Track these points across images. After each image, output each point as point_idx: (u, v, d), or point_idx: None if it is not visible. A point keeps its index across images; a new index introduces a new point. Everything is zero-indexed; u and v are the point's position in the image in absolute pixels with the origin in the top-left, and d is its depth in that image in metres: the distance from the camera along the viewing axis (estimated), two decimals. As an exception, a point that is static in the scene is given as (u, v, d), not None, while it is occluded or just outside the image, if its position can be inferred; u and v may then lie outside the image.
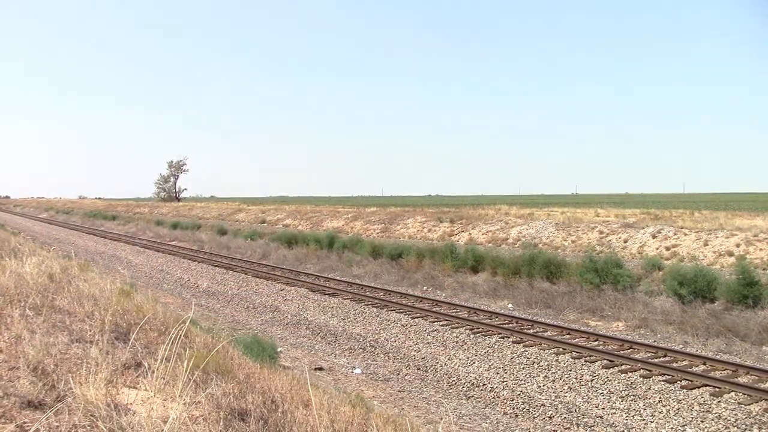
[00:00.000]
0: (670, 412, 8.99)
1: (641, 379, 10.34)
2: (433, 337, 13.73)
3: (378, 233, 32.76)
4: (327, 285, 20.72)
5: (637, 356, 11.51)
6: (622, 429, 8.62)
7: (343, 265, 24.67)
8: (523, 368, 11.32)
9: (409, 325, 14.77)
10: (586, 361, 11.38)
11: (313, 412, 4.39)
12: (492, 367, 11.53)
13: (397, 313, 16.11)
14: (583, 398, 9.78)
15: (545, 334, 13.46)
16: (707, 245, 18.75)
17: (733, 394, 9.41)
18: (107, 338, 4.91)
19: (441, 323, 14.76)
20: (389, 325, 15.00)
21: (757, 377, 10.17)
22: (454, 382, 10.97)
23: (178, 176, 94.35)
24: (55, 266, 8.77)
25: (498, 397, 10.15)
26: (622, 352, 11.91)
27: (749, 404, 9.00)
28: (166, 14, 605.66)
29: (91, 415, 3.32)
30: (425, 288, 20.19)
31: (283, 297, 19.15)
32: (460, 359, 12.11)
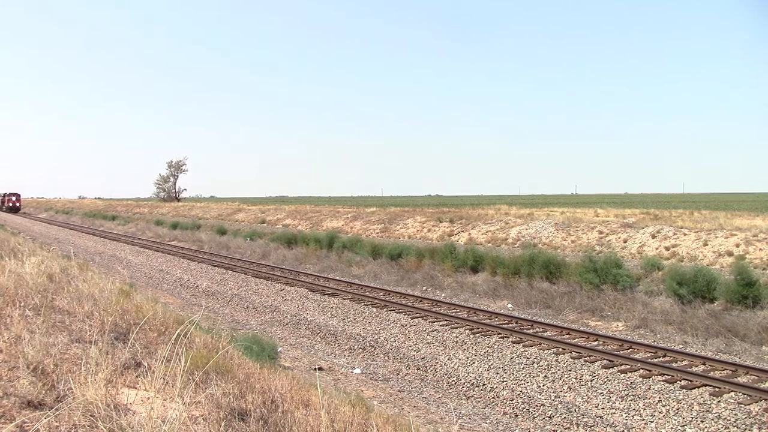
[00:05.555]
0: (670, 412, 8.99)
1: (641, 379, 10.33)
2: (433, 337, 13.72)
3: (378, 233, 32.75)
4: (327, 285, 20.71)
5: (636, 356, 11.51)
6: (621, 429, 8.62)
7: (342, 265, 24.66)
8: (522, 368, 11.32)
9: (408, 325, 14.76)
10: (585, 361, 11.38)
11: (313, 412, 4.39)
12: (492, 367, 11.53)
13: (397, 313, 16.11)
14: (582, 398, 9.78)
15: (545, 334, 13.45)
16: (707, 245, 18.76)
17: (732, 394, 9.41)
18: (107, 338, 4.91)
19: (441, 323, 14.76)
20: (389, 325, 14.99)
21: (756, 377, 10.17)
22: (453, 382, 10.97)
23: (177, 176, 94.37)
24: (54, 266, 8.77)
25: (498, 397, 10.15)
26: (621, 352, 11.90)
27: (749, 404, 9.00)
28: (166, 14, 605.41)
29: (90, 415, 3.32)
30: (425, 288, 20.18)
31: (282, 297, 19.15)
32: (459, 359, 12.10)
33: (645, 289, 15.83)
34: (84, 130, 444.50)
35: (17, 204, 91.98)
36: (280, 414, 4.21)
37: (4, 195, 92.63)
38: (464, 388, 10.66)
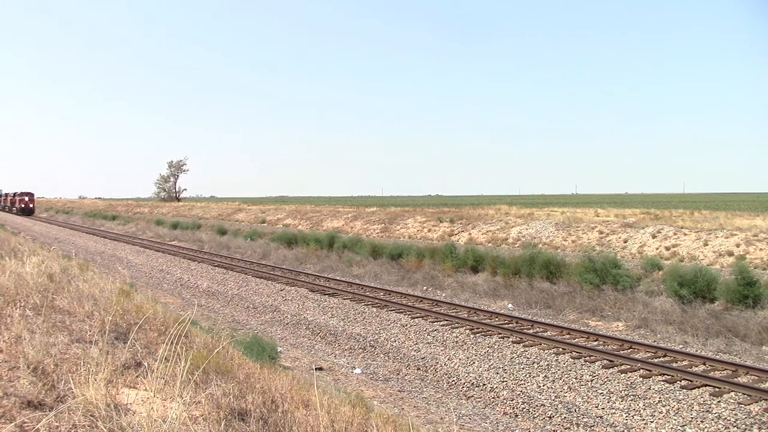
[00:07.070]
0: (670, 412, 8.99)
1: (641, 379, 10.33)
2: (433, 337, 13.72)
3: (378, 233, 32.74)
4: (327, 285, 20.71)
5: (637, 356, 11.50)
6: (621, 429, 8.62)
7: (343, 265, 24.66)
8: (522, 368, 11.32)
9: (409, 325, 14.76)
10: (585, 361, 11.38)
11: (313, 412, 4.39)
12: (492, 367, 11.53)
13: (397, 313, 16.11)
14: (582, 398, 9.78)
15: (545, 334, 13.45)
16: (707, 245, 18.74)
17: (732, 394, 9.41)
18: (107, 338, 4.90)
19: (441, 323, 14.76)
20: (389, 325, 14.99)
21: (756, 377, 10.16)
22: (454, 382, 10.97)
23: (178, 176, 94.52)
24: (55, 266, 8.77)
25: (498, 397, 10.15)
26: (622, 352, 11.90)
27: (749, 404, 8.99)
28: (166, 14, 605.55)
29: (91, 415, 3.32)
30: (425, 288, 20.18)
31: (283, 297, 19.15)
32: (460, 359, 12.10)
33: (645, 289, 15.82)
34: (84, 130, 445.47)
35: (30, 205, 78.70)
36: (280, 414, 4.21)
37: (15, 195, 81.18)
38: (464, 388, 10.66)
